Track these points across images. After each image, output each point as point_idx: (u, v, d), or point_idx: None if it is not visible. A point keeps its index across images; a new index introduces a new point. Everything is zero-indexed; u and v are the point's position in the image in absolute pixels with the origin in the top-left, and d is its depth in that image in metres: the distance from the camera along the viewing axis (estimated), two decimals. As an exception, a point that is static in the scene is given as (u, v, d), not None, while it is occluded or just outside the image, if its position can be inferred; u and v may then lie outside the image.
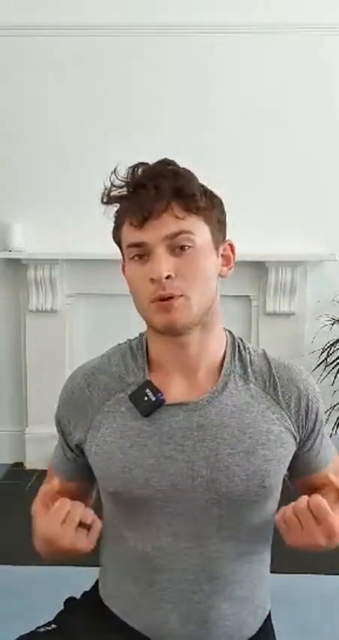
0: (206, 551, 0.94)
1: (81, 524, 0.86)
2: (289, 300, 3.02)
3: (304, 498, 0.86)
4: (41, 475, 2.97)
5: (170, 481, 0.92)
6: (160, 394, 0.93)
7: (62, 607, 1.10)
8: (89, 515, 0.87)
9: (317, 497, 0.85)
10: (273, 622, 1.10)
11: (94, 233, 2.92)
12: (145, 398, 0.93)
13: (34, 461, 3.05)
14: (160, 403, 0.93)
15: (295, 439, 0.97)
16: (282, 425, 0.95)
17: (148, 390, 0.94)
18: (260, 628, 1.03)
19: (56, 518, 0.85)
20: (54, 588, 1.14)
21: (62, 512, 0.85)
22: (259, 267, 2.98)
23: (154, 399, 0.93)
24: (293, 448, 0.97)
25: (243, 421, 0.93)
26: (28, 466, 3.10)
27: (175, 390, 0.95)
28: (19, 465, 3.16)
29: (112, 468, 0.94)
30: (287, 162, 2.98)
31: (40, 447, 2.97)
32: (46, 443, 2.97)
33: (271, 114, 2.97)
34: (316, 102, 2.97)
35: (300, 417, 0.97)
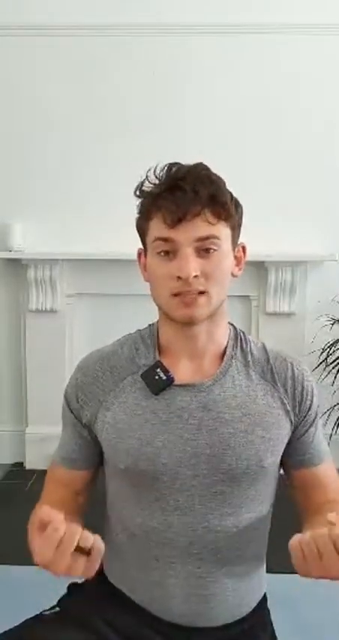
0: (210, 525, 0.99)
1: (79, 549, 0.77)
2: (289, 300, 3.02)
3: (324, 530, 0.77)
4: (41, 475, 2.96)
5: (176, 458, 0.98)
6: (169, 373, 1.00)
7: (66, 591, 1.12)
8: (88, 539, 0.77)
9: None
10: (273, 622, 1.12)
11: (94, 233, 2.95)
12: (156, 377, 1.00)
13: (34, 461, 3.06)
14: (170, 382, 1.00)
15: (291, 422, 1.04)
16: (279, 408, 1.02)
17: (158, 370, 1.01)
18: (257, 606, 1.08)
19: (49, 542, 0.76)
20: (54, 588, 1.14)
21: (56, 536, 0.76)
22: (259, 267, 2.98)
23: (164, 377, 1.00)
24: (289, 431, 1.03)
25: (243, 403, 1.00)
26: (28, 466, 3.10)
27: (182, 372, 1.02)
28: (19, 465, 3.16)
29: (123, 445, 0.99)
30: (288, 163, 2.99)
31: (40, 447, 2.97)
32: (46, 443, 2.98)
33: (272, 114, 2.97)
34: (316, 102, 2.97)
35: (296, 401, 1.04)
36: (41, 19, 2.90)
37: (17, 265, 3.06)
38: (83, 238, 2.96)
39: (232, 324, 1.09)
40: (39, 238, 3.03)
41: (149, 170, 0.98)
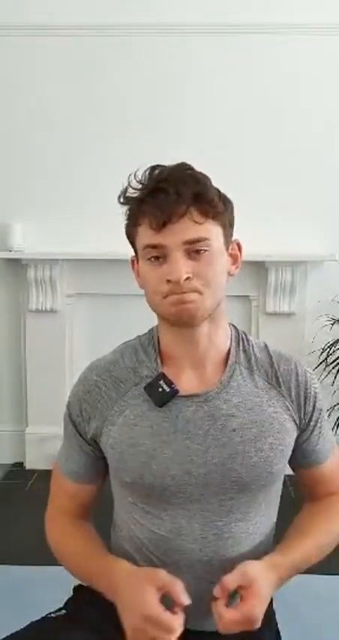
0: (220, 532, 0.99)
1: None
2: (289, 300, 3.02)
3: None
4: (41, 475, 2.99)
5: (185, 469, 0.97)
6: (173, 385, 0.98)
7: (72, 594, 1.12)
8: None
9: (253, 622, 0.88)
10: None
11: (94, 233, 2.95)
12: (160, 389, 0.99)
13: (34, 461, 3.05)
14: (173, 394, 0.98)
15: (297, 426, 1.03)
16: (285, 413, 1.01)
17: (162, 382, 0.99)
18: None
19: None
20: (54, 588, 1.14)
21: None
22: (259, 267, 2.98)
23: (168, 390, 0.98)
24: (295, 434, 1.03)
25: (250, 410, 0.99)
26: (28, 466, 3.09)
27: (185, 382, 1.00)
28: (19, 465, 3.15)
29: (129, 460, 0.99)
30: (288, 163, 2.98)
31: (40, 447, 2.97)
32: (46, 443, 2.99)
33: (272, 114, 2.97)
34: (316, 102, 2.97)
35: (300, 404, 1.03)
36: (41, 19, 2.90)
37: (17, 265, 3.06)
38: (83, 238, 2.96)
39: (232, 325, 1.07)
40: (39, 238, 3.03)
41: (130, 175, 0.95)
